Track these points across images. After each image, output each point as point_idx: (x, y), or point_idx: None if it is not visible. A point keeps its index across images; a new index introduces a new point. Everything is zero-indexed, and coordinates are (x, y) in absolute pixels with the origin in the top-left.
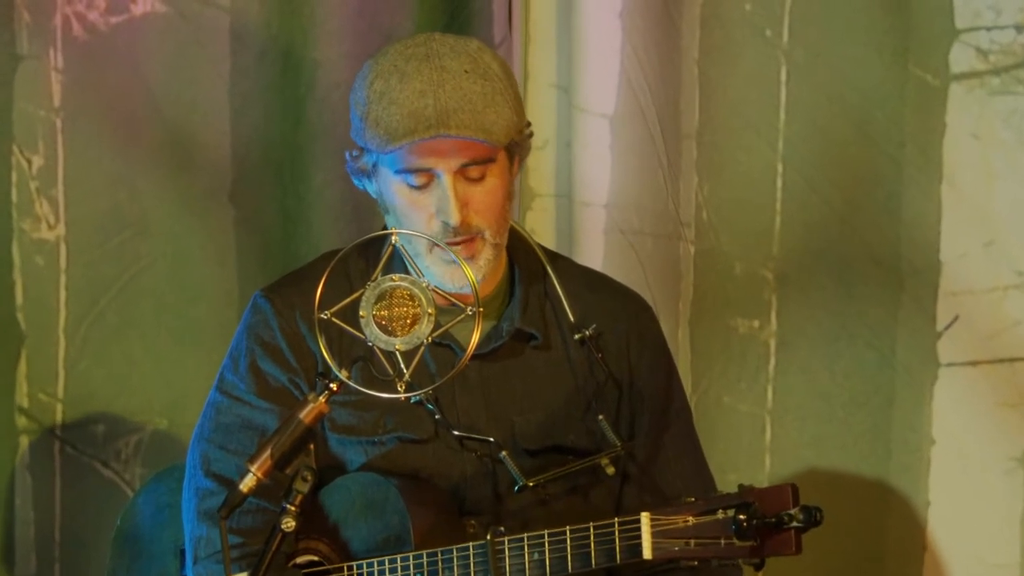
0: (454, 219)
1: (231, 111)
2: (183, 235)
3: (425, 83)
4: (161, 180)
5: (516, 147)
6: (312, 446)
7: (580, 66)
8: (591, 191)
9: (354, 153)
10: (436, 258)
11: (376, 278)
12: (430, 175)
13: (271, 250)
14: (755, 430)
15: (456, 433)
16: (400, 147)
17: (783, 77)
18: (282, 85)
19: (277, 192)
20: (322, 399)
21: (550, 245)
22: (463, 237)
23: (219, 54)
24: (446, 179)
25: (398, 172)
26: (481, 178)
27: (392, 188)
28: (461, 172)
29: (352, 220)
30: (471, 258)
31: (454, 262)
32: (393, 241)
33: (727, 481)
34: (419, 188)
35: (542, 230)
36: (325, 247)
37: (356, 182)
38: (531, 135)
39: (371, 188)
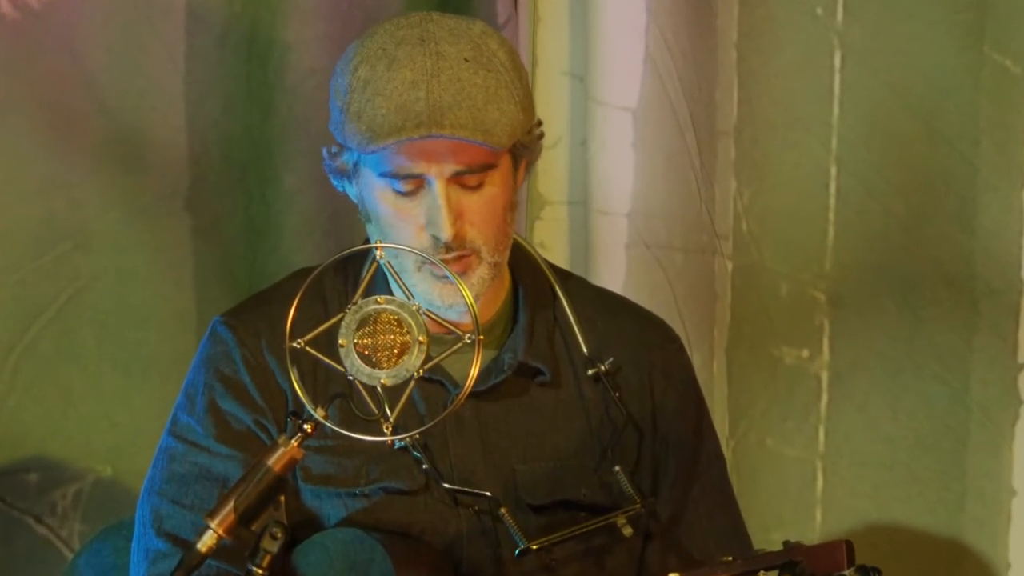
0: (445, 233)
1: (187, 102)
2: (130, 248)
3: (417, 72)
4: (104, 184)
5: (522, 150)
6: (283, 498)
7: (597, 50)
8: (610, 198)
9: (333, 150)
10: (426, 273)
11: (357, 300)
12: (419, 180)
13: (234, 266)
14: (804, 479)
15: (446, 486)
16: (384, 147)
17: (837, 63)
18: (247, 72)
19: (241, 198)
20: (294, 443)
21: (562, 262)
22: (455, 253)
23: (172, 35)
24: (438, 186)
25: (382, 175)
26: (479, 186)
27: (375, 193)
28: (456, 179)
29: (329, 231)
30: (462, 274)
31: (446, 277)
32: (377, 257)
33: (771, 540)
34: (406, 195)
35: (553, 243)
36: (297, 263)
37: (335, 183)
38: (541, 136)
39: (351, 192)
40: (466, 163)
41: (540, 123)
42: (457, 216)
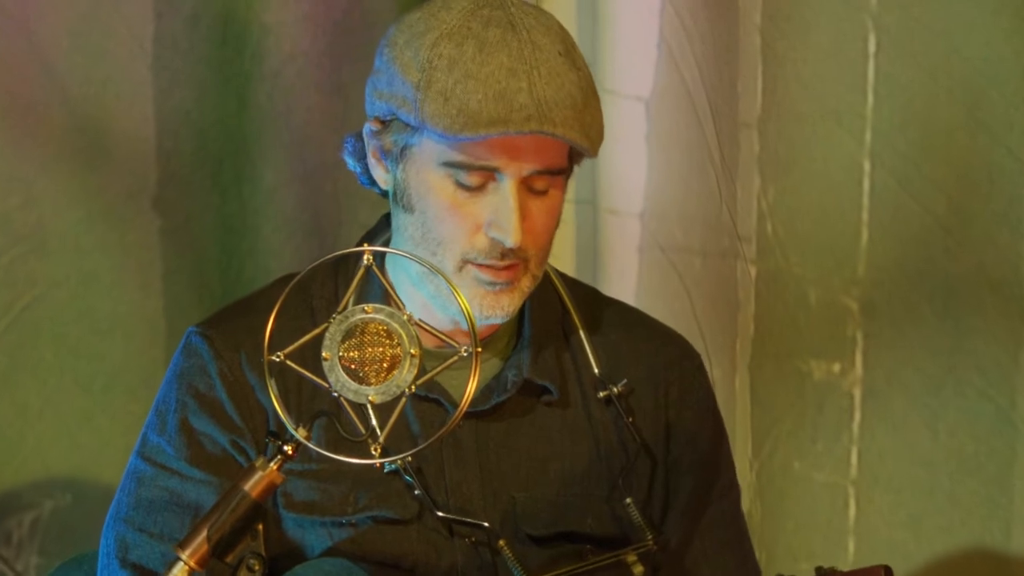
0: (513, 237)
1: (155, 92)
2: (92, 251)
3: (515, 60)
4: (64, 181)
5: (575, 159)
6: (261, 527)
7: (607, 34)
8: (622, 196)
9: (375, 128)
10: (469, 278)
11: (343, 309)
12: (489, 175)
13: (207, 271)
14: (836, 505)
15: (440, 515)
16: (485, 136)
17: (871, 48)
18: (221, 57)
19: (214, 196)
20: (274, 466)
21: (569, 265)
22: (509, 261)
23: (139, 18)
24: (510, 186)
25: (448, 165)
26: (544, 191)
27: (430, 182)
28: (526, 180)
29: (312, 232)
30: (508, 284)
31: (493, 284)
32: (365, 262)
33: (799, 572)
34: (469, 189)
35: (560, 247)
36: (276, 267)
37: (353, 166)
38: None
39: (387, 176)
40: (546, 164)
41: None
42: (524, 221)
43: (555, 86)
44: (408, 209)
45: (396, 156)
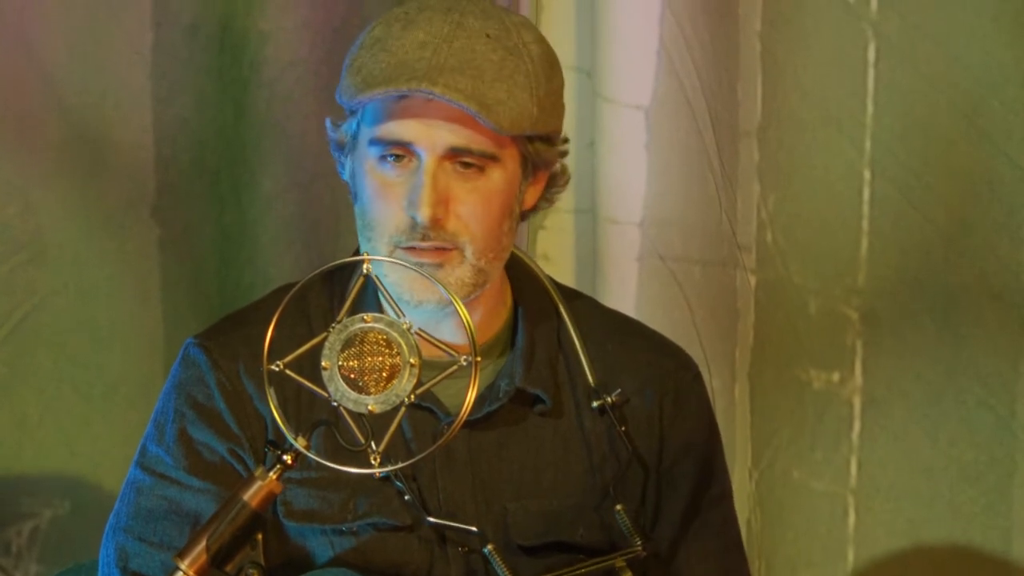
0: (423, 213)
1: (154, 100)
2: (91, 261)
3: (431, 35)
4: (63, 190)
5: (536, 156)
6: (260, 536)
7: (606, 42)
8: (621, 205)
9: (337, 122)
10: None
11: (342, 318)
12: (408, 152)
13: (205, 281)
14: (835, 514)
15: (431, 520)
16: (370, 98)
17: (871, 56)
18: (219, 66)
19: (213, 205)
20: (272, 475)
21: (567, 275)
22: (432, 243)
23: (137, 27)
24: (427, 161)
25: (372, 143)
26: (476, 175)
27: (365, 167)
28: (450, 158)
29: (311, 241)
30: (437, 266)
31: (419, 266)
32: (364, 270)
33: None
34: (394, 169)
35: (558, 256)
36: (275, 276)
37: (340, 170)
38: (564, 153)
39: (344, 171)
40: (464, 142)
41: (567, 140)
42: (441, 199)
43: (461, 58)
44: (355, 199)
45: (348, 147)
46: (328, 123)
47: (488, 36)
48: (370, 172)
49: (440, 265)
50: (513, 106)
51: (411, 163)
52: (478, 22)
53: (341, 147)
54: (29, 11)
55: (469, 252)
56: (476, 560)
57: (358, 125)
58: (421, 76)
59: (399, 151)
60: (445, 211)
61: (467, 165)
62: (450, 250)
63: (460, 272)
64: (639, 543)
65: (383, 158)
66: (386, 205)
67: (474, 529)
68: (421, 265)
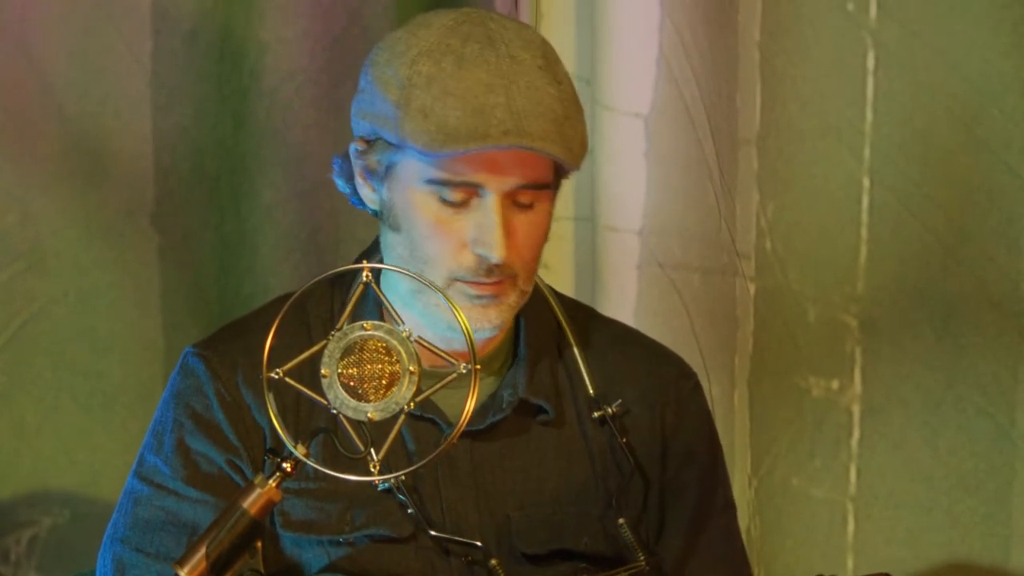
0: (498, 253)
1: (153, 109)
2: (90, 269)
3: (492, 74)
4: (62, 198)
5: (560, 175)
6: (259, 544)
7: (606, 50)
8: (621, 213)
9: (360, 148)
10: (457, 292)
11: (342, 326)
12: (473, 192)
13: (205, 289)
14: (834, 522)
15: (432, 533)
16: (457, 152)
17: (870, 64)
18: (219, 75)
19: (213, 214)
20: (272, 483)
21: (567, 283)
22: (497, 277)
23: (137, 35)
24: (494, 201)
25: (431, 182)
26: (530, 206)
27: (414, 201)
28: (510, 195)
29: (310, 250)
30: (494, 298)
31: (480, 298)
32: (364, 279)
33: None
34: (453, 206)
35: (557, 264)
36: (274, 285)
37: (342, 187)
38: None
39: (373, 196)
40: (529, 178)
41: None
42: (508, 236)
43: (533, 99)
44: (395, 228)
45: (381, 175)
46: (353, 148)
47: (540, 68)
48: (424, 207)
49: (496, 296)
50: (580, 140)
51: (472, 199)
52: (526, 53)
53: (370, 172)
54: (29, 19)
55: (521, 280)
56: (479, 570)
57: (402, 157)
58: (513, 129)
59: (464, 192)
60: (514, 249)
61: (523, 199)
62: (505, 281)
63: (511, 300)
64: (642, 557)
65: (443, 196)
66: (445, 241)
67: (478, 544)
68: (479, 297)
